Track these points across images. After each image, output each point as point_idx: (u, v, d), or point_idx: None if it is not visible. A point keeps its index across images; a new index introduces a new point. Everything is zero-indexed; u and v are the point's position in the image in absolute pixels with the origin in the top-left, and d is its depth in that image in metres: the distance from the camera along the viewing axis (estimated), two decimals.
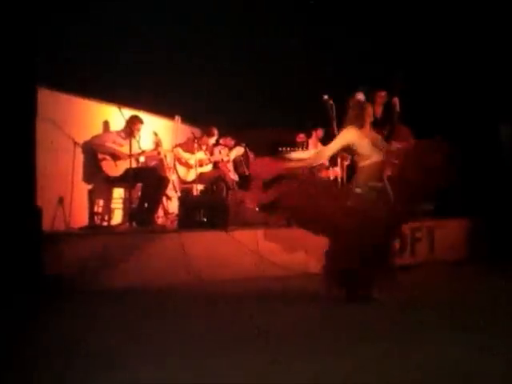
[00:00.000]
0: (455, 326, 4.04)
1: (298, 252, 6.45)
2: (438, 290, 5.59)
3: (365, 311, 4.65)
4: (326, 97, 7.13)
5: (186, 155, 8.36)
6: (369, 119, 5.15)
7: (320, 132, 9.36)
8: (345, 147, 5.20)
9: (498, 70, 7.90)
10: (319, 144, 9.51)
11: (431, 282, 5.84)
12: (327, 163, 9.42)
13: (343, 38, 9.34)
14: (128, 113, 7.57)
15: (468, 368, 3.07)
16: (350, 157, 8.26)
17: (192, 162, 8.33)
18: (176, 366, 3.17)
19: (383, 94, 7.19)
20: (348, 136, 5.09)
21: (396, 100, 6.34)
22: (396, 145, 5.51)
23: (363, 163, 5.05)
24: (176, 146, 8.49)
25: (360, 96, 5.51)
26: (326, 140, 8.86)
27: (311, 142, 9.20)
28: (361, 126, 5.07)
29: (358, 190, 4.99)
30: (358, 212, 4.84)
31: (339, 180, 8.08)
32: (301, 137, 9.18)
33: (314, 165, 5.83)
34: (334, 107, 7.07)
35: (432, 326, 4.06)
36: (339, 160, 7.80)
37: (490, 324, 4.07)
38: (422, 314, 4.50)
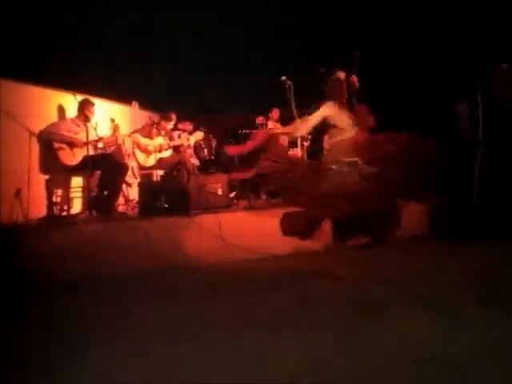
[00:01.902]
0: (417, 301, 4.09)
1: (260, 235, 6.44)
2: (400, 266, 5.64)
3: (329, 288, 4.69)
4: (283, 78, 7.11)
5: (144, 141, 8.27)
6: (345, 96, 5.40)
7: (276, 113, 9.37)
8: (324, 120, 5.39)
9: (455, 49, 7.97)
10: (278, 125, 9.51)
11: (393, 258, 5.89)
12: (287, 144, 9.46)
13: (300, 18, 9.32)
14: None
15: (429, 346, 3.12)
16: (309, 138, 8.33)
17: (151, 147, 8.25)
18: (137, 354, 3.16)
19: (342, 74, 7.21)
20: (327, 109, 5.35)
21: (354, 78, 6.34)
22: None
23: (340, 137, 5.28)
24: (134, 131, 8.40)
25: (341, 74, 5.61)
26: (285, 120, 8.90)
27: (270, 123, 9.20)
28: (340, 102, 5.35)
29: (334, 167, 5.15)
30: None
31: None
32: (260, 119, 9.18)
33: (297, 135, 5.98)
34: (291, 88, 7.06)
35: (394, 302, 4.10)
36: (299, 141, 7.81)
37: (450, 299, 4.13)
38: (385, 290, 4.55)
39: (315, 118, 5.44)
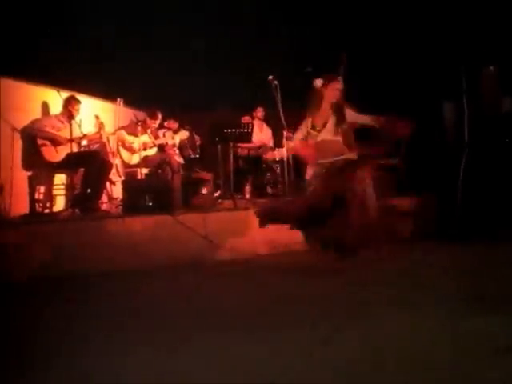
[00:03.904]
0: (403, 302, 4.07)
1: (245, 235, 6.41)
2: (387, 265, 5.64)
3: (317, 288, 4.68)
4: (270, 77, 7.10)
5: (129, 138, 8.20)
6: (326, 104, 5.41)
7: (259, 112, 9.34)
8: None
9: (442, 51, 7.99)
10: (264, 124, 9.50)
11: (380, 258, 5.90)
12: (272, 144, 9.46)
13: (288, 18, 9.31)
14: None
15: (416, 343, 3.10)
16: None
17: (136, 145, 8.18)
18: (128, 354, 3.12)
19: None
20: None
21: (340, 79, 6.34)
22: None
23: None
24: (119, 128, 8.33)
25: (317, 82, 5.63)
26: (272, 120, 8.89)
27: (256, 122, 9.16)
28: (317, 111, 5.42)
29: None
30: None
31: (285, 161, 8.08)
32: (246, 118, 9.15)
33: None
34: (278, 87, 7.05)
35: (382, 302, 4.09)
36: (284, 141, 7.78)
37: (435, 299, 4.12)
38: (372, 290, 4.54)
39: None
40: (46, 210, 7.12)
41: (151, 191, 6.98)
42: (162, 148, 8.68)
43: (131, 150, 8.19)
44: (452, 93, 7.65)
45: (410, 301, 4.09)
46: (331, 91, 5.40)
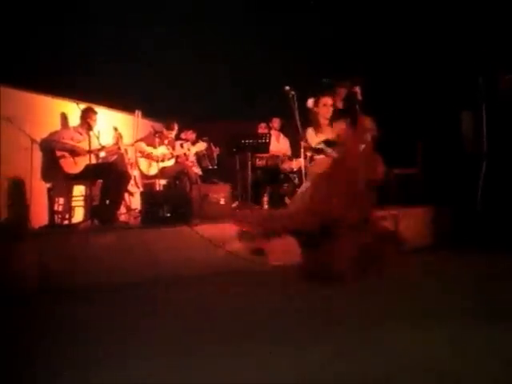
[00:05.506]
0: (419, 313, 4.04)
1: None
2: (403, 277, 5.60)
3: (330, 298, 4.66)
4: (287, 87, 7.08)
5: (148, 149, 8.24)
6: (324, 120, 5.40)
7: (276, 122, 9.33)
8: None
9: (459, 60, 7.97)
10: (281, 134, 9.48)
11: (395, 269, 5.86)
12: (289, 154, 9.44)
13: (304, 27, 9.31)
14: None
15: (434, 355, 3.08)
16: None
17: (154, 156, 8.21)
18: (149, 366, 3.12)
19: (343, 89, 7.19)
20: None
21: (357, 89, 6.33)
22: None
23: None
24: (137, 140, 8.37)
25: (309, 102, 5.76)
26: (289, 130, 8.88)
27: (272, 133, 9.16)
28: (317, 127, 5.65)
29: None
30: None
31: (303, 170, 8.07)
32: (262, 127, 9.16)
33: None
34: (295, 97, 7.03)
35: (397, 313, 4.06)
36: (302, 151, 7.78)
37: (452, 310, 4.08)
38: (389, 301, 4.51)
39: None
40: (65, 222, 7.17)
41: (169, 202, 6.99)
42: (179, 159, 8.71)
43: (150, 158, 8.20)
44: (470, 102, 7.62)
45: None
46: (322, 108, 5.45)
